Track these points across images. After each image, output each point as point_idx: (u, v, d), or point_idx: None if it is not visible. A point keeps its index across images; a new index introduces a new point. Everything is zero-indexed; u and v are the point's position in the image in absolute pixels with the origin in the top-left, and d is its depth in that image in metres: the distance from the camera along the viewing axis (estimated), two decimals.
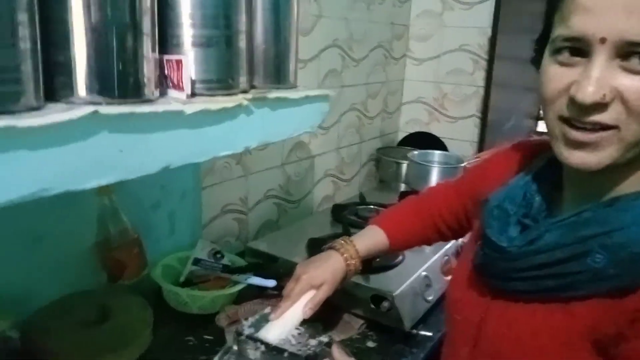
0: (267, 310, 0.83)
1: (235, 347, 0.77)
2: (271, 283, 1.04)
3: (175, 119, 0.56)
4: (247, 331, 0.77)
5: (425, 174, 1.53)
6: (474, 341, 0.65)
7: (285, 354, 0.73)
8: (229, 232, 1.29)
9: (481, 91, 1.77)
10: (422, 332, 1.00)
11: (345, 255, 0.84)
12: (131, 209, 0.99)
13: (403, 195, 1.59)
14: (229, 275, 1.08)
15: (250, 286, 1.06)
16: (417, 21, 1.86)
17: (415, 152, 1.61)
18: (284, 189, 1.44)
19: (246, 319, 0.82)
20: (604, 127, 0.50)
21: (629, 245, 0.51)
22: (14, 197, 0.41)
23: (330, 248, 0.87)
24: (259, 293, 1.07)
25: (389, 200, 1.38)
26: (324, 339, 0.77)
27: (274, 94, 0.70)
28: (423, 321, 1.02)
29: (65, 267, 0.93)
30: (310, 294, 0.81)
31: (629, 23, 0.46)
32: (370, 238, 0.90)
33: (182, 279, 1.08)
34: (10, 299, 0.82)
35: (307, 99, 0.77)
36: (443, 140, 1.87)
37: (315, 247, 1.11)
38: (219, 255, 1.13)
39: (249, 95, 0.66)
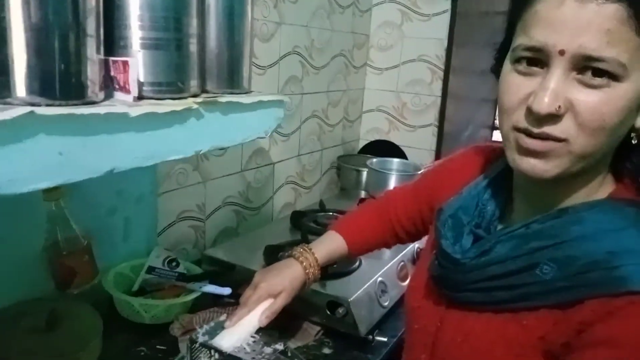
0: (223, 317, 0.82)
1: (188, 357, 0.76)
2: (227, 291, 1.03)
3: (120, 122, 0.54)
4: (201, 339, 0.76)
5: (383, 181, 1.55)
6: (431, 349, 0.66)
7: None
8: (186, 239, 1.27)
9: (439, 101, 1.81)
10: (378, 338, 1.00)
11: (304, 263, 0.84)
12: (85, 214, 0.97)
13: (362, 201, 1.61)
14: (184, 283, 1.07)
15: (206, 295, 1.04)
16: (377, 31, 1.89)
17: (374, 160, 1.63)
18: (243, 195, 1.43)
19: (201, 326, 0.81)
20: (555, 139, 0.51)
21: (577, 257, 0.52)
22: None
23: (290, 256, 0.87)
24: (215, 301, 1.05)
25: (348, 207, 1.38)
26: (279, 346, 0.77)
27: (225, 99, 0.69)
28: (378, 327, 1.03)
29: (15, 274, 0.89)
30: (267, 302, 0.81)
31: (587, 37, 0.47)
32: (329, 245, 0.90)
33: (135, 287, 1.06)
34: None
35: (261, 104, 0.76)
36: (402, 148, 1.90)
37: (273, 254, 1.11)
38: (174, 264, 1.11)
39: (199, 99, 0.66)
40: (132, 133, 0.56)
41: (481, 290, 0.59)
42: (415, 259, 1.20)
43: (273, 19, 1.38)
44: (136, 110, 0.56)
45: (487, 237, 0.61)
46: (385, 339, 1.00)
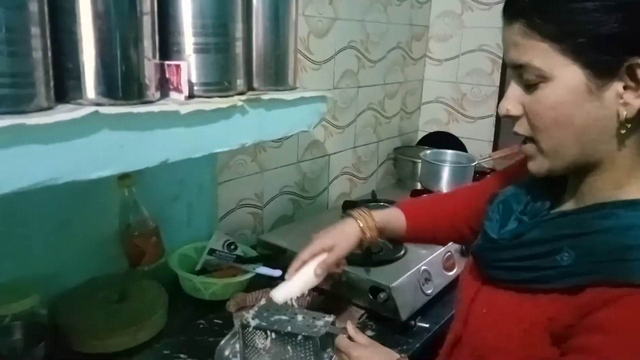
0: (263, 301, 0.88)
1: (240, 342, 0.79)
2: (278, 273, 1.10)
3: (171, 118, 0.63)
4: (252, 323, 0.78)
5: (437, 172, 1.56)
6: (465, 318, 0.70)
7: (299, 338, 0.74)
8: (245, 225, 1.36)
9: (499, 92, 1.78)
10: (420, 324, 1.04)
11: (359, 221, 0.87)
12: (152, 200, 1.08)
13: (414, 193, 1.63)
14: (240, 265, 1.16)
15: (260, 276, 1.12)
16: (436, 22, 1.88)
17: (428, 152, 1.64)
18: (300, 185, 1.50)
19: (253, 305, 0.85)
20: (527, 139, 0.59)
21: (596, 248, 0.54)
22: (27, 185, 0.49)
23: (349, 216, 0.90)
24: (267, 283, 1.13)
25: (402, 198, 1.42)
26: (329, 318, 0.78)
27: (268, 96, 0.76)
28: (422, 313, 1.06)
29: (91, 252, 1.02)
30: (322, 256, 0.84)
31: (510, 51, 0.58)
32: (389, 215, 0.92)
33: (197, 267, 1.16)
34: (41, 278, 0.91)
35: (303, 100, 0.82)
36: (462, 140, 1.89)
37: None
38: (232, 247, 1.21)
39: (244, 97, 0.73)
40: (183, 128, 0.64)
41: (509, 269, 0.63)
42: (463, 250, 1.21)
43: (328, 15, 1.43)
44: (186, 108, 0.64)
45: (526, 222, 0.64)
46: (427, 325, 1.04)
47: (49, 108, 0.53)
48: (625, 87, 0.53)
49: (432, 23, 1.89)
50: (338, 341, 0.75)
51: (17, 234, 0.90)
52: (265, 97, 0.75)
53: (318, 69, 1.44)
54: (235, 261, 1.17)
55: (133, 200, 1.03)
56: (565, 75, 0.54)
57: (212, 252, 1.19)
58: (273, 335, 0.77)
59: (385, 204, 1.45)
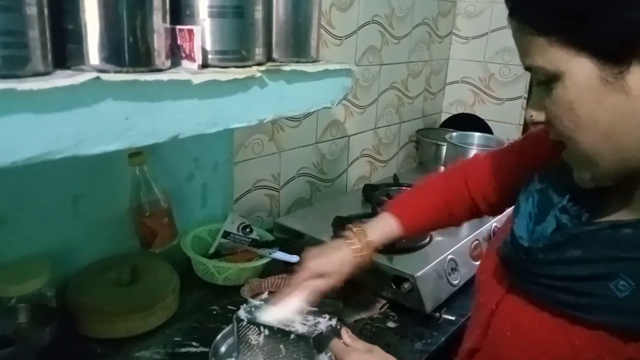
0: (265, 295, 0.83)
1: (235, 336, 0.76)
2: (294, 258, 1.05)
3: (183, 89, 0.56)
4: (244, 316, 0.75)
5: (463, 156, 1.47)
6: (485, 329, 0.63)
7: (292, 336, 0.71)
8: (261, 207, 1.31)
9: None
10: (445, 316, 0.98)
11: (354, 247, 0.79)
12: (165, 179, 1.03)
13: None
14: (255, 249, 1.11)
15: (276, 261, 1.07)
16: None
17: (454, 134, 1.56)
18: (318, 167, 1.44)
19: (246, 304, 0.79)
20: (562, 145, 0.53)
21: None
22: (19, 159, 0.43)
23: (344, 236, 0.83)
24: (284, 268, 1.08)
25: None
26: (331, 320, 0.74)
27: (289, 67, 0.69)
28: (447, 305, 1.00)
29: (101, 232, 0.98)
30: (314, 283, 0.79)
31: (520, 55, 0.52)
32: (382, 228, 0.83)
33: (211, 250, 1.12)
34: (49, 257, 0.87)
35: (327, 73, 0.76)
36: (488, 122, 1.80)
37: (341, 225, 1.10)
38: (248, 230, 1.15)
39: (263, 68, 0.66)
40: (196, 100, 0.58)
41: (543, 286, 0.54)
42: (492, 237, 1.14)
43: None
44: (199, 78, 0.57)
45: (566, 229, 0.55)
46: (453, 318, 0.98)
47: (46, 73, 0.47)
48: None
49: None
50: (332, 345, 0.70)
51: (26, 210, 0.86)
52: (287, 68, 0.69)
53: (340, 45, 1.36)
54: (250, 245, 1.12)
55: (145, 179, 0.98)
56: (573, 70, 0.47)
57: (226, 234, 1.14)
58: (266, 331, 0.73)
59: (408, 188, 1.38)
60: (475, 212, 0.85)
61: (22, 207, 0.85)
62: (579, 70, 0.47)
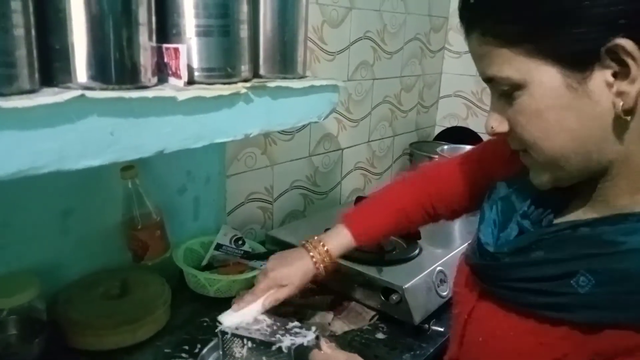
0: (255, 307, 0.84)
1: (220, 348, 0.77)
2: None
3: (168, 105, 0.58)
4: (229, 330, 0.76)
5: None
6: (461, 337, 0.63)
7: (273, 348, 0.72)
8: (254, 219, 1.32)
9: None
10: (434, 327, 0.98)
11: (315, 259, 0.83)
12: (157, 192, 1.04)
13: None
14: (247, 261, 1.12)
15: None
16: (457, 12, 1.80)
17: (445, 147, 1.58)
18: (311, 180, 1.45)
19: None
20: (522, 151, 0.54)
21: (623, 275, 0.46)
22: (3, 174, 0.45)
23: (304, 246, 0.86)
24: None
25: None
26: (313, 332, 0.75)
27: (274, 83, 0.71)
28: (436, 316, 1.01)
29: (92, 245, 0.98)
30: (274, 292, 0.82)
31: (478, 65, 0.53)
32: (337, 239, 0.86)
33: (203, 262, 1.13)
34: (40, 270, 0.88)
35: (313, 89, 0.77)
36: (481, 135, 1.82)
37: None
38: (240, 242, 1.17)
39: (248, 84, 0.68)
40: (181, 116, 0.60)
41: (511, 289, 0.55)
42: None
43: (343, 4, 1.38)
44: (184, 94, 0.59)
45: (528, 233, 0.56)
46: (442, 329, 0.98)
47: (33, 91, 0.49)
48: (615, 75, 0.46)
49: (451, 14, 1.82)
50: (312, 355, 0.71)
51: (16, 223, 0.87)
52: (272, 84, 0.70)
53: (332, 60, 1.39)
54: (242, 257, 1.13)
55: (137, 192, 0.99)
56: (539, 78, 0.48)
57: (219, 247, 1.15)
58: (249, 343, 0.74)
59: None
60: (434, 218, 0.89)
61: (12, 221, 0.86)
62: (545, 78, 0.48)
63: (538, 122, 0.49)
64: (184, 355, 0.88)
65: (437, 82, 1.89)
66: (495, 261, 0.57)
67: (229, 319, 0.78)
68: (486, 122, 0.55)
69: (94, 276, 0.98)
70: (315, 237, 0.87)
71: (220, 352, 0.76)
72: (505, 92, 0.51)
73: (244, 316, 0.79)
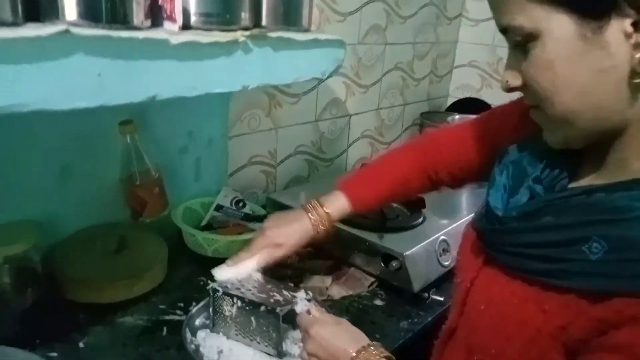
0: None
1: (211, 306, 0.77)
2: None
3: (160, 49, 0.55)
4: (221, 288, 0.76)
5: None
6: (462, 305, 0.62)
7: (262, 309, 0.71)
8: (256, 183, 1.30)
9: None
10: (434, 297, 0.97)
11: (313, 220, 0.81)
12: (158, 151, 1.02)
13: None
14: (246, 222, 1.10)
15: None
16: None
17: (456, 116, 1.54)
18: (316, 145, 1.42)
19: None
20: (533, 106, 0.52)
21: (629, 242, 0.44)
22: None
23: (303, 208, 0.84)
24: None
25: None
26: (306, 295, 0.75)
27: (276, 34, 0.68)
28: (436, 286, 0.99)
29: (91, 200, 0.97)
30: (270, 250, 0.81)
31: (495, 16, 0.50)
32: (335, 204, 0.84)
33: (203, 222, 1.11)
34: (37, 223, 0.87)
35: (316, 43, 0.74)
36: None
37: None
38: (240, 204, 1.15)
39: (247, 33, 0.65)
40: (174, 61, 0.57)
41: (517, 255, 0.53)
42: None
43: None
44: (178, 39, 0.56)
45: (539, 198, 0.54)
46: (442, 298, 0.97)
47: (16, 24, 0.46)
48: (635, 24, 0.43)
49: None
50: (299, 318, 0.70)
51: (15, 176, 0.85)
52: (273, 34, 0.67)
53: (342, 21, 1.34)
54: (242, 219, 1.12)
55: (135, 148, 0.98)
56: (552, 27, 0.46)
57: (219, 208, 1.13)
58: (239, 302, 0.74)
59: None
60: (436, 184, 0.87)
61: (10, 174, 0.85)
62: (557, 28, 0.46)
63: (549, 74, 0.47)
64: (178, 312, 0.88)
65: (452, 51, 1.83)
66: (503, 225, 0.55)
67: (223, 274, 0.78)
68: (502, 77, 0.53)
69: (91, 231, 0.97)
70: (316, 200, 0.85)
71: (211, 310, 0.76)
72: (519, 44, 0.49)
73: (238, 271, 0.78)
